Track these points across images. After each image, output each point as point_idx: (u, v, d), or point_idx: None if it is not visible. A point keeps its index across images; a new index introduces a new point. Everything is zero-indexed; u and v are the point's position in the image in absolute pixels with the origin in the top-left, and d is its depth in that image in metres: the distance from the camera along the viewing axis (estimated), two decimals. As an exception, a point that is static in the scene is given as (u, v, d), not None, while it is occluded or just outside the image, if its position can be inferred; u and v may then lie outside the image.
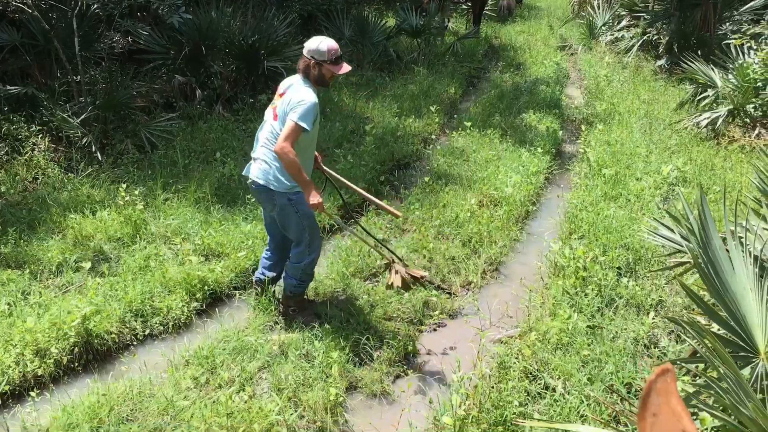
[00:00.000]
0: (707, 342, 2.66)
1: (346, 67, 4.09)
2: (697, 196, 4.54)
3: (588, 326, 4.17)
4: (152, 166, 6.64)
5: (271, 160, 4.00)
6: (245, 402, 3.58)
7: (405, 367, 4.11)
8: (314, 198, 3.96)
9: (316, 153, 4.39)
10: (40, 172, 6.24)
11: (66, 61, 6.95)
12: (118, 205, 5.59)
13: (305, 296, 4.61)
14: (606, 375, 3.71)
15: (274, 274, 4.55)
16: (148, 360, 4.09)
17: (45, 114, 6.71)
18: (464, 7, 14.68)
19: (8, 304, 4.36)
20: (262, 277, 4.56)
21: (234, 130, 7.74)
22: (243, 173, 4.28)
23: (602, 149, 7.36)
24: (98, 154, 6.57)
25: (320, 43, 3.97)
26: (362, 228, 5.06)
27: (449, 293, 4.92)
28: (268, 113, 4.12)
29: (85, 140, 6.62)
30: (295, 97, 3.89)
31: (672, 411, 1.04)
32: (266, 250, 4.59)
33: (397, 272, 4.40)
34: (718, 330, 3.02)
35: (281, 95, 4.05)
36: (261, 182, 4.03)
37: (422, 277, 4.53)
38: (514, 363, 3.88)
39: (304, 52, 4.01)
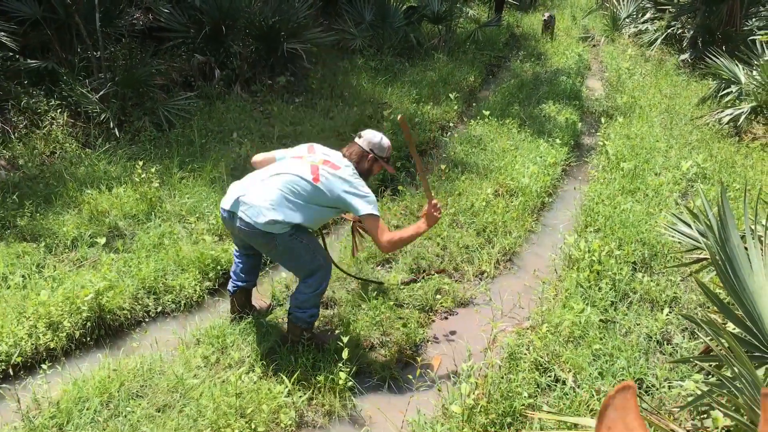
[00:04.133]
0: (723, 341, 2.63)
1: (393, 169, 4.04)
2: (717, 193, 4.48)
3: (601, 320, 4.14)
4: (169, 145, 6.65)
5: (283, 207, 3.53)
6: (254, 383, 3.59)
7: (415, 354, 4.10)
8: (436, 213, 3.77)
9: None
10: (58, 147, 6.27)
11: (86, 37, 6.96)
12: (134, 182, 5.61)
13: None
14: (617, 370, 3.68)
15: (251, 279, 4.15)
16: (160, 337, 4.11)
17: (64, 89, 6.73)
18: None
19: (23, 276, 4.39)
20: (241, 284, 4.11)
21: (252, 111, 7.73)
22: (225, 206, 3.68)
23: (621, 142, 7.28)
24: (116, 130, 6.59)
25: (382, 140, 3.84)
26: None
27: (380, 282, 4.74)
28: (303, 165, 3.66)
29: (103, 116, 6.64)
30: (357, 184, 3.62)
31: (626, 426, 1.09)
32: (238, 256, 4.11)
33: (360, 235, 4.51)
34: (734, 329, 2.98)
35: (327, 162, 3.68)
36: (259, 227, 3.51)
37: None
38: (525, 354, 3.86)
39: (362, 143, 3.81)
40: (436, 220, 3.80)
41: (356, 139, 3.85)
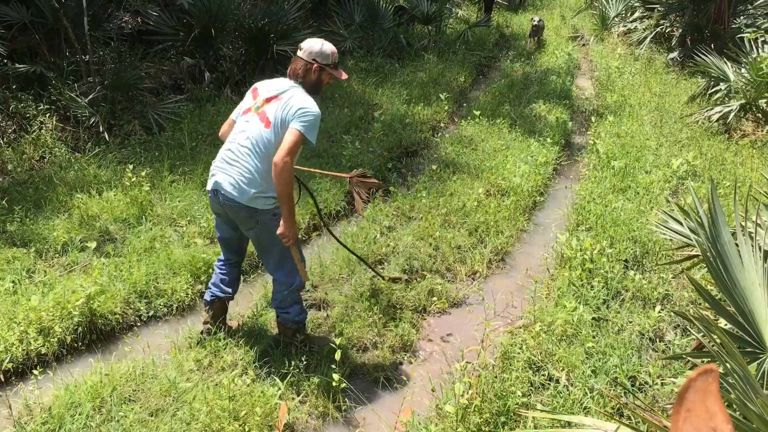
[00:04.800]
0: (715, 337, 2.63)
1: (344, 74, 3.79)
2: (707, 190, 4.50)
3: (593, 318, 4.15)
4: (159, 148, 6.63)
5: (256, 172, 3.48)
6: (247, 385, 3.58)
7: (408, 354, 4.10)
8: (293, 227, 3.51)
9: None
10: (47, 151, 6.24)
11: (75, 41, 6.93)
12: (125, 185, 5.58)
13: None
14: (610, 367, 3.69)
15: (232, 291, 4.04)
16: (152, 341, 4.09)
17: (53, 93, 6.70)
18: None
19: (13, 282, 4.37)
20: (221, 294, 3.98)
21: (242, 113, 7.70)
22: (208, 188, 3.68)
23: (612, 141, 7.31)
24: (106, 134, 6.57)
25: (323, 45, 3.62)
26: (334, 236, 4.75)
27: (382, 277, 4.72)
28: (251, 118, 3.58)
29: (92, 120, 6.61)
30: (296, 103, 3.45)
31: (706, 409, 1.07)
32: (220, 265, 4.02)
33: (357, 193, 4.56)
34: (726, 325, 3.00)
35: (270, 99, 3.56)
36: (242, 201, 3.50)
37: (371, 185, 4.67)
38: (518, 353, 3.86)
39: (303, 54, 3.60)
40: (291, 236, 3.52)
41: (298, 53, 3.64)
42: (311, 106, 3.47)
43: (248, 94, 3.75)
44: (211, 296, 4.00)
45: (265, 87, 3.68)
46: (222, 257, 4.02)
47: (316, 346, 3.99)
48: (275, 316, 4.01)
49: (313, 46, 3.60)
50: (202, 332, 4.06)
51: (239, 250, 4.02)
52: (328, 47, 3.64)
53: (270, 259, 3.79)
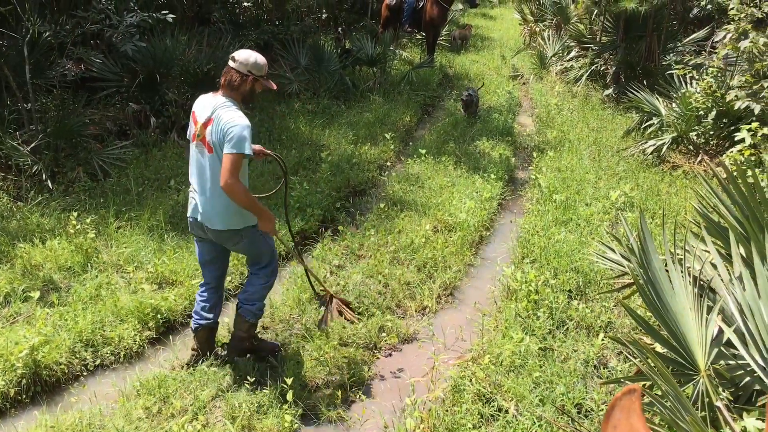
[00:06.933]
0: (650, 361, 2.75)
1: (274, 84, 3.97)
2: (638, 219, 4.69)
3: (540, 348, 4.26)
4: (105, 194, 6.56)
5: (221, 197, 3.70)
6: (198, 431, 3.55)
7: (360, 392, 4.12)
8: (271, 220, 3.89)
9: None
10: (-12, 201, 6.12)
11: (16, 89, 6.86)
12: (69, 233, 5.51)
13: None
14: (557, 396, 3.79)
15: (213, 317, 4.20)
16: (99, 391, 4.02)
17: (-7, 142, 6.60)
18: (418, 36, 14.91)
19: (-48, 335, 4.24)
20: (203, 322, 4.16)
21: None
22: (188, 215, 3.97)
23: (553, 175, 7.54)
24: (49, 182, 6.47)
25: (257, 57, 3.79)
26: (305, 267, 4.84)
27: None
28: (199, 146, 3.78)
29: (35, 168, 6.52)
30: (224, 125, 3.60)
31: (631, 426, 1.16)
32: (202, 291, 4.20)
33: (329, 312, 4.74)
34: (662, 349, 3.12)
35: (206, 124, 3.70)
36: (221, 227, 3.80)
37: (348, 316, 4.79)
38: (468, 386, 3.92)
39: (238, 66, 3.74)
40: (271, 229, 3.95)
41: (230, 63, 3.77)
42: (236, 120, 3.61)
43: (191, 119, 3.92)
44: (195, 325, 4.19)
45: (198, 111, 3.82)
46: (202, 282, 4.22)
47: (266, 352, 4.29)
48: (236, 308, 4.22)
49: (248, 58, 3.77)
50: (189, 360, 4.26)
51: (222, 267, 4.24)
52: (261, 59, 3.84)
53: (257, 260, 4.13)
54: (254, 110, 9.32)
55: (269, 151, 4.30)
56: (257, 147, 4.12)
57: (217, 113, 3.67)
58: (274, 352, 4.34)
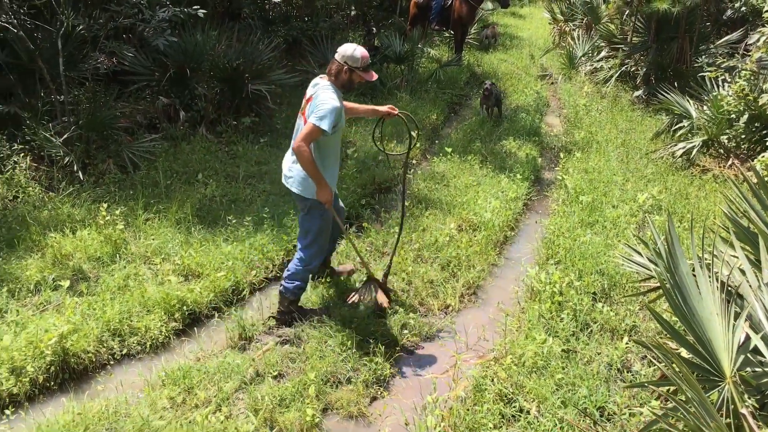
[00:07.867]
0: (675, 366, 2.73)
1: (374, 75, 4.31)
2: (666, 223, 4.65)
3: (563, 350, 4.24)
4: (134, 186, 6.66)
5: (295, 165, 4.29)
6: (221, 422, 3.59)
7: (381, 388, 4.14)
8: (326, 193, 4.22)
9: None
10: (21, 191, 6.23)
11: (50, 81, 6.98)
12: (99, 224, 5.60)
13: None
14: (579, 398, 3.77)
15: (330, 250, 5.12)
16: (125, 379, 4.09)
17: (27, 133, 6.72)
18: (447, 35, 14.86)
19: (-16, 322, 4.35)
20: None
21: (217, 152, 7.79)
22: (283, 180, 4.56)
23: (580, 177, 7.49)
24: (80, 173, 6.58)
25: (355, 51, 4.18)
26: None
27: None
28: (299, 119, 4.35)
29: (67, 159, 6.63)
30: (317, 101, 4.10)
31: None
32: None
33: (378, 290, 4.87)
34: (687, 354, 3.10)
35: (308, 100, 4.25)
36: (294, 190, 4.36)
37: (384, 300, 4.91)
38: (489, 386, 3.92)
39: (338, 57, 4.20)
40: (327, 200, 4.27)
41: (335, 56, 4.22)
42: (327, 100, 4.08)
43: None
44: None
45: (309, 89, 4.36)
46: None
47: (306, 318, 4.66)
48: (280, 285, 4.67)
49: (346, 50, 4.20)
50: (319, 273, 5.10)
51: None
52: (359, 53, 4.20)
53: (305, 237, 4.53)
54: (282, 105, 9.38)
55: (397, 111, 4.81)
56: (385, 108, 4.80)
57: (316, 92, 4.19)
58: (306, 317, 4.70)
